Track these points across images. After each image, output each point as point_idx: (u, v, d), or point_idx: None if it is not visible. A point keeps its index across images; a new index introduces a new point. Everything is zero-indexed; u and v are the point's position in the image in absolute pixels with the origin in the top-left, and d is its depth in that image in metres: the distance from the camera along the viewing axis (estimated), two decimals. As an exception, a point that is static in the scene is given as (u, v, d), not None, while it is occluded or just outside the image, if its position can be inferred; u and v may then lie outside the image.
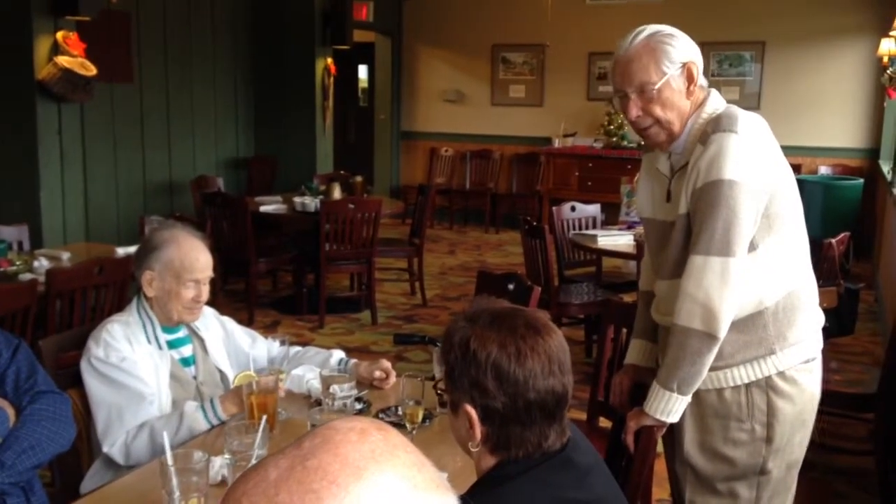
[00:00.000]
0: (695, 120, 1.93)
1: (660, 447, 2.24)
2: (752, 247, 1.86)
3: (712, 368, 1.89)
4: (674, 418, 1.92)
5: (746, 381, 1.91)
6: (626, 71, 1.91)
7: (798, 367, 1.92)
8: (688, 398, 1.91)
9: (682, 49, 1.90)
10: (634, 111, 1.92)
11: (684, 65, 1.89)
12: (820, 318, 2.00)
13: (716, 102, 1.95)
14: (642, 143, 2.07)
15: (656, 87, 1.88)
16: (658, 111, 1.91)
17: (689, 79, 1.90)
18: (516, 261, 7.14)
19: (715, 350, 1.85)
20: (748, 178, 1.80)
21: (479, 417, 1.33)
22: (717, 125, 1.84)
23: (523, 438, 1.33)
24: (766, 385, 1.90)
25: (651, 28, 1.92)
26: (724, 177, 1.79)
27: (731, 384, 1.92)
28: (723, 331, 1.83)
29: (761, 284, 1.87)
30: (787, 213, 1.90)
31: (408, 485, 0.68)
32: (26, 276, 3.60)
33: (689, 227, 1.89)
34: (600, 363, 2.84)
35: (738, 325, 1.88)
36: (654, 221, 2.07)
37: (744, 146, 1.81)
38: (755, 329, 1.89)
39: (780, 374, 1.90)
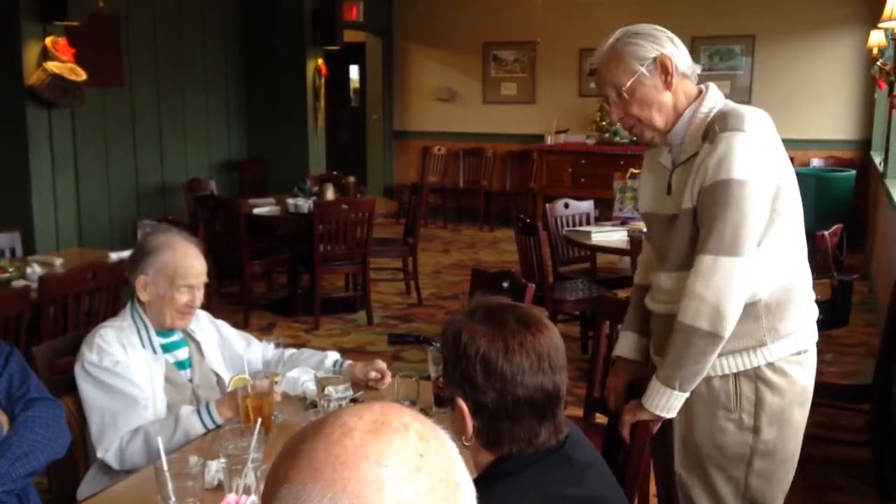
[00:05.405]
0: (692, 113, 1.93)
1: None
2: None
3: None
4: (672, 413, 1.93)
5: (735, 370, 1.91)
6: (601, 76, 2.00)
7: (788, 358, 1.92)
8: (686, 394, 1.91)
9: (648, 45, 1.91)
10: (616, 113, 1.99)
11: (655, 59, 1.90)
12: (813, 312, 2.00)
13: (715, 97, 1.95)
14: (635, 138, 2.08)
15: (626, 87, 1.92)
16: (636, 110, 1.94)
17: (664, 71, 1.91)
18: (511, 258, 7.14)
19: (719, 349, 1.86)
20: (757, 177, 1.81)
21: (471, 411, 1.34)
22: (726, 124, 1.84)
23: (513, 434, 1.33)
24: (756, 375, 1.91)
25: (619, 31, 1.96)
26: (733, 176, 1.79)
27: (720, 373, 1.92)
28: (728, 330, 1.83)
29: (757, 278, 1.87)
30: (788, 209, 1.90)
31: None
32: (19, 283, 3.58)
33: (695, 222, 1.89)
34: (595, 359, 2.84)
35: None
36: (656, 215, 2.06)
37: (752, 145, 1.81)
38: (747, 320, 1.88)
39: (770, 364, 1.91)
